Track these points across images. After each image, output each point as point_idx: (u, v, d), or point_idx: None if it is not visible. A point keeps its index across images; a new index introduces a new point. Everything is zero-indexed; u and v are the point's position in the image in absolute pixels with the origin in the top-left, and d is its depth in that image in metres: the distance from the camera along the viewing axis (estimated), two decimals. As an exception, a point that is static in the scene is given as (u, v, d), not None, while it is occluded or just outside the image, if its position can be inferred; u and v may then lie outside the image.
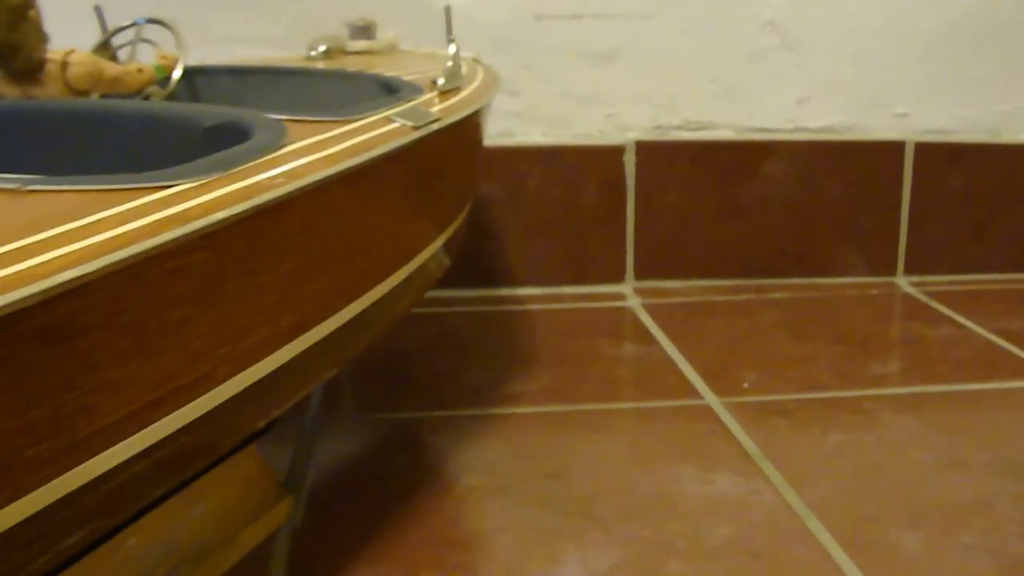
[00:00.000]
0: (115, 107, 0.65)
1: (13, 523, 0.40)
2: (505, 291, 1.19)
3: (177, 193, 0.47)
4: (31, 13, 0.68)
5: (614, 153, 1.19)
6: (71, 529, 0.44)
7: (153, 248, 0.43)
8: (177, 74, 0.76)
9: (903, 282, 1.24)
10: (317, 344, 0.57)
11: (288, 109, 0.62)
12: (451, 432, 0.83)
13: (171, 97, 0.77)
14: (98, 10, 0.82)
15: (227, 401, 0.50)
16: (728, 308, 1.16)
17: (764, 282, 1.23)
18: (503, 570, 0.65)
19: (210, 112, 0.60)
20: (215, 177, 0.49)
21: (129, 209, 0.45)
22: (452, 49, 0.78)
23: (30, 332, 0.39)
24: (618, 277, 1.22)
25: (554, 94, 1.19)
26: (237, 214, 0.47)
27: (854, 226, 1.23)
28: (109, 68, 0.71)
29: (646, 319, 1.12)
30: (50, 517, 0.42)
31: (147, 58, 0.79)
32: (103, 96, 0.72)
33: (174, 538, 0.59)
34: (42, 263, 0.39)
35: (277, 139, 0.55)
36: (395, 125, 0.64)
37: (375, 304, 0.64)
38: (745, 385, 0.94)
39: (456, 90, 0.76)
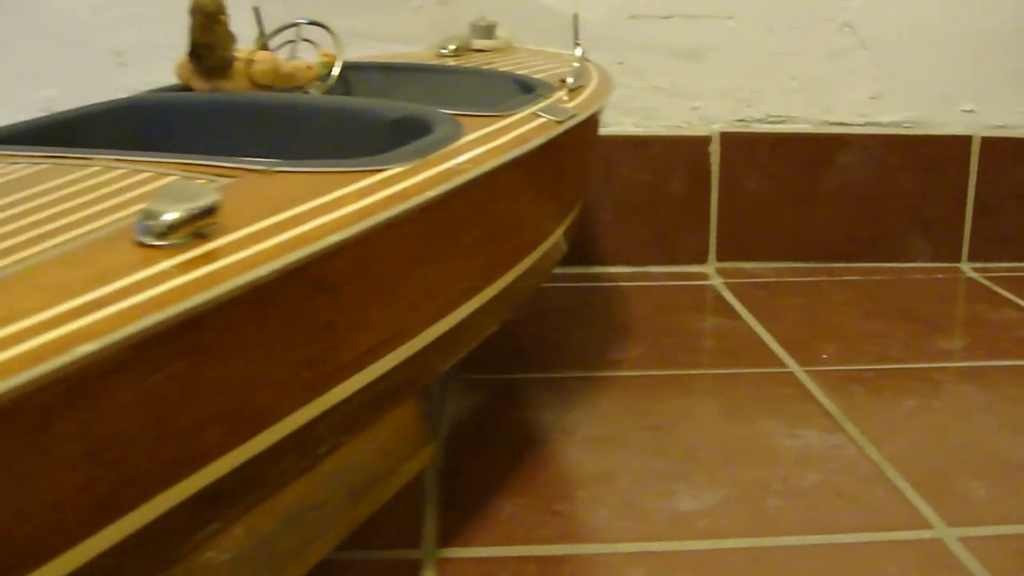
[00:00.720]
0: (310, 101, 0.76)
1: (289, 431, 0.51)
2: (598, 269, 1.30)
3: (393, 175, 0.58)
4: (222, 18, 0.79)
5: (700, 143, 1.29)
6: (315, 443, 0.56)
7: (386, 219, 0.54)
8: (336, 70, 0.87)
9: (967, 268, 1.33)
10: (487, 303, 0.68)
11: (439, 103, 0.73)
12: (563, 391, 0.94)
13: (330, 91, 0.88)
14: (257, 11, 0.93)
15: (429, 345, 0.61)
16: (804, 288, 1.25)
17: (837, 265, 1.32)
18: (626, 502, 0.75)
19: (392, 107, 0.71)
20: (418, 163, 0.60)
21: (362, 187, 0.56)
22: (579, 52, 0.88)
23: (305, 284, 0.50)
24: (701, 258, 1.32)
25: (645, 87, 1.29)
26: (441, 193, 0.58)
27: (922, 215, 1.32)
28: (285, 65, 0.82)
29: (729, 296, 1.22)
30: (304, 432, 0.53)
31: (305, 56, 0.90)
32: (282, 90, 0.83)
33: (354, 466, 0.70)
34: (313, 228, 0.50)
35: (457, 131, 0.66)
36: (542, 120, 0.75)
37: (523, 274, 0.75)
38: (824, 356, 1.04)
39: (581, 88, 0.87)
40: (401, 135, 0.68)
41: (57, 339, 0.38)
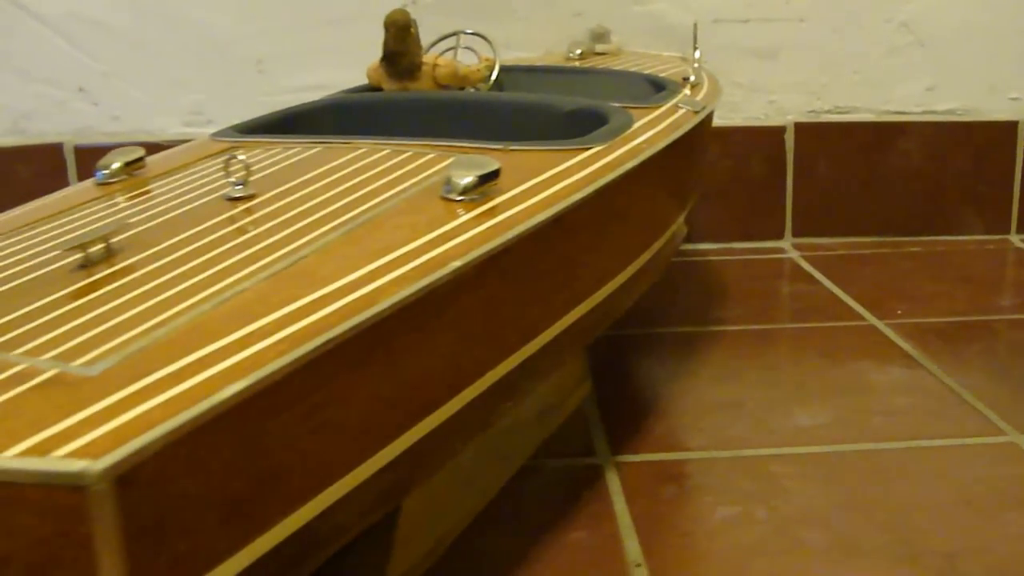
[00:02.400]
0: (494, 96, 0.94)
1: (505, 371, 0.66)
2: (687, 246, 1.47)
3: (597, 152, 0.75)
4: (412, 29, 0.97)
5: (775, 133, 1.46)
6: (538, 372, 0.71)
7: (604, 185, 0.71)
8: (495, 73, 1.04)
9: (1015, 239, 1.50)
10: (645, 265, 0.85)
11: (591, 98, 0.89)
12: (680, 343, 1.11)
13: (490, 90, 1.04)
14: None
15: (604, 300, 0.77)
16: (872, 259, 1.42)
17: (899, 239, 1.49)
18: (755, 420, 0.92)
19: (565, 101, 0.88)
20: (612, 142, 0.77)
21: (580, 160, 0.73)
22: (697, 54, 1.05)
23: (560, 229, 0.67)
24: (778, 235, 1.49)
25: (727, 84, 1.46)
26: (636, 164, 0.75)
27: (974, 192, 1.49)
28: (461, 68, 1.00)
29: (807, 266, 1.38)
30: (524, 367, 0.68)
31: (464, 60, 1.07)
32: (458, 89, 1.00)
33: (536, 398, 0.86)
34: (561, 188, 0.67)
35: (629, 120, 0.83)
36: (683, 111, 0.92)
37: (667, 243, 0.91)
38: (899, 312, 1.20)
39: (700, 86, 1.04)
40: (576, 124, 0.85)
41: (422, 264, 0.55)
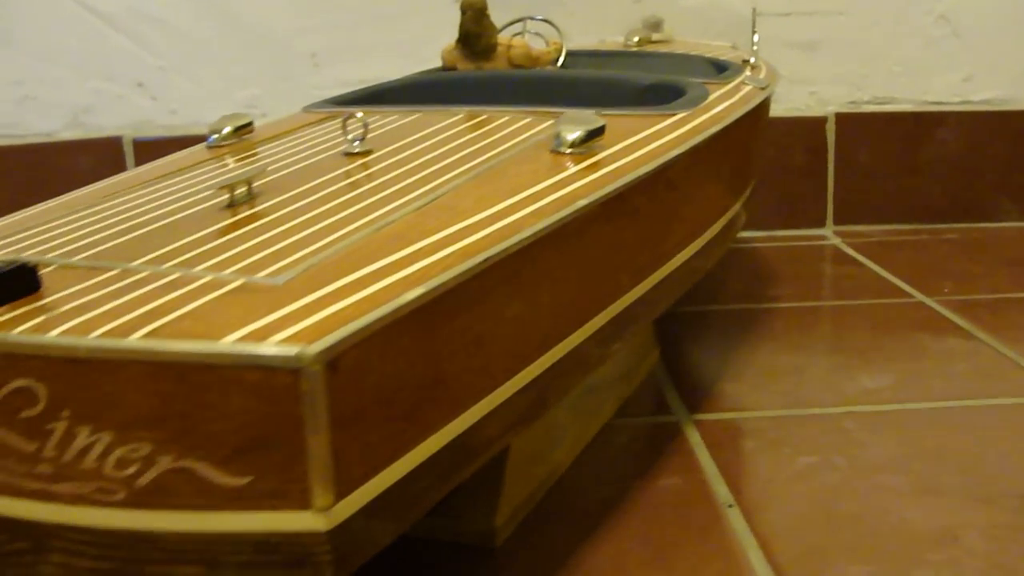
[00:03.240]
0: (573, 73, 0.98)
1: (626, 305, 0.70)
2: (732, 232, 1.51)
3: (683, 117, 0.79)
4: (487, 12, 1.01)
5: (817, 123, 1.51)
6: (638, 319, 0.75)
7: (696, 144, 0.75)
8: (563, 56, 1.09)
9: (1050, 226, 1.54)
10: (715, 238, 0.88)
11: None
12: (740, 318, 1.15)
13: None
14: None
15: (689, 259, 0.81)
16: (912, 244, 1.46)
17: (937, 226, 1.53)
18: (821, 383, 0.96)
19: (642, 76, 0.92)
20: (695, 110, 0.81)
21: (670, 123, 0.77)
22: (756, 38, 1.09)
23: (661, 181, 0.71)
24: (820, 222, 1.53)
25: (769, 76, 1.50)
26: (720, 129, 0.79)
27: (1010, 180, 1.53)
28: (533, 51, 1.04)
29: (850, 251, 1.42)
30: (629, 312, 0.72)
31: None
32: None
33: (613, 364, 0.89)
34: (659, 145, 0.71)
35: (706, 92, 0.87)
36: (750, 87, 0.96)
37: (732, 220, 0.95)
38: (946, 290, 1.24)
39: (760, 68, 1.08)
40: (653, 97, 0.89)
41: (552, 202, 0.59)
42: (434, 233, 0.52)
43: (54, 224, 0.59)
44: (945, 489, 0.75)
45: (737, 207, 0.95)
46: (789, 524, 0.71)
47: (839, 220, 1.53)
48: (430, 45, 1.47)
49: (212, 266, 0.49)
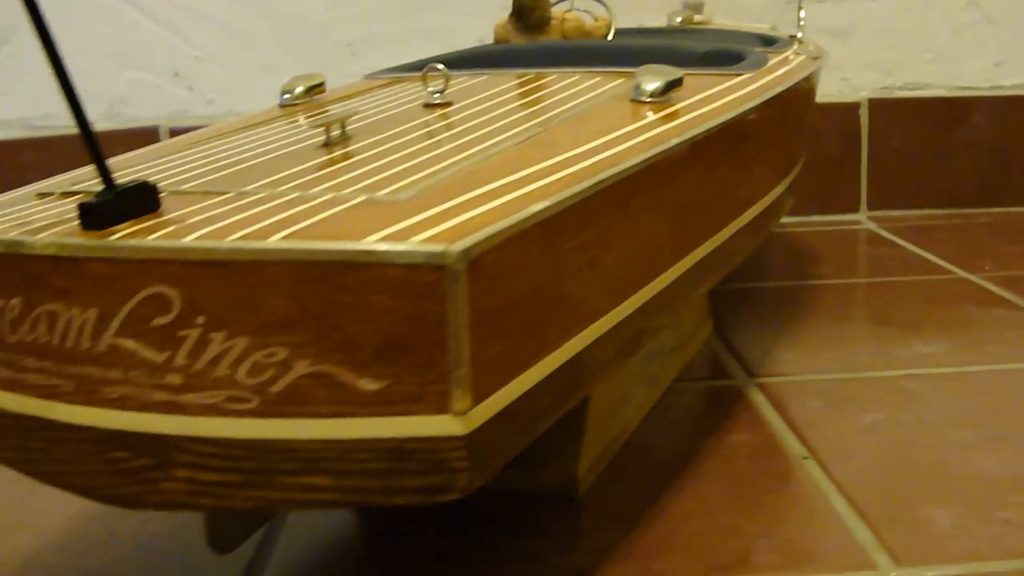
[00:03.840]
0: (630, 43, 0.98)
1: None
2: (767, 217, 1.51)
3: (749, 76, 0.80)
4: (540, -14, 1.02)
5: (850, 109, 1.51)
6: (713, 273, 0.76)
7: (766, 100, 0.76)
8: (611, 33, 1.09)
9: (1082, 210, 1.54)
10: (773, 204, 0.89)
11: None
12: (782, 294, 1.15)
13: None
14: None
15: (752, 221, 0.81)
16: (946, 227, 1.47)
17: (970, 210, 1.54)
18: (876, 349, 0.97)
19: (700, 44, 0.93)
20: (758, 71, 0.82)
21: (738, 81, 0.78)
22: (803, 13, 1.10)
23: (734, 134, 0.71)
24: (854, 208, 1.54)
25: (802, 62, 1.51)
26: (784, 88, 0.80)
27: (1042, 165, 1.53)
28: (586, 24, 1.05)
29: (886, 234, 1.43)
30: (708, 261, 0.73)
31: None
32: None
33: (670, 333, 0.90)
34: (731, 99, 0.72)
35: (765, 57, 0.88)
36: (802, 56, 0.97)
37: (782, 195, 0.95)
38: (987, 267, 1.25)
39: (806, 42, 1.09)
40: (713, 63, 0.90)
41: (645, 140, 0.59)
42: (539, 162, 0.53)
43: (147, 165, 0.60)
44: (1017, 439, 0.76)
45: (795, 173, 0.96)
46: (867, 473, 0.72)
47: (872, 205, 1.54)
48: (467, 33, 1.48)
49: (329, 188, 0.49)
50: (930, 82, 1.53)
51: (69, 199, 0.53)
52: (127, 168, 0.60)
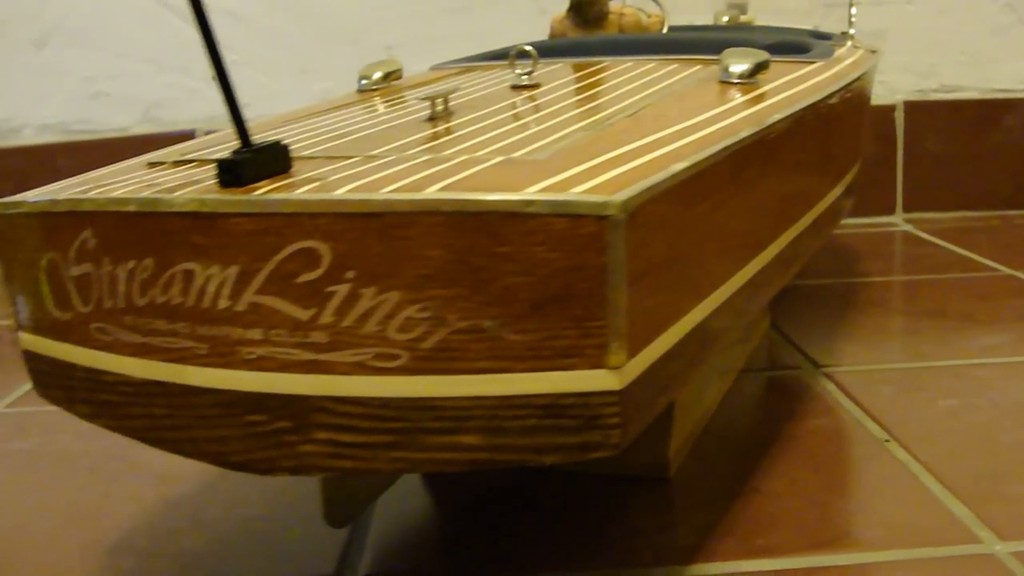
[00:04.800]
0: (695, 35, 0.98)
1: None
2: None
3: (820, 65, 0.80)
4: (597, -18, 1.02)
5: (886, 111, 1.52)
6: (796, 260, 0.75)
7: (848, 81, 0.76)
8: (665, 28, 1.10)
9: (1117, 212, 1.55)
10: (845, 191, 0.89)
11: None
12: (832, 290, 1.15)
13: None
14: None
15: (826, 210, 0.81)
16: (984, 229, 1.47)
17: (1007, 212, 1.54)
18: (939, 341, 0.97)
19: (764, 36, 0.93)
20: (829, 60, 0.82)
21: (813, 69, 0.78)
22: (854, 11, 1.10)
23: (816, 117, 0.72)
24: (890, 210, 1.54)
25: (838, 65, 1.52)
26: (855, 77, 0.80)
27: (1076, 167, 1.54)
28: (643, 19, 1.05)
29: (924, 235, 1.43)
30: (797, 242, 0.73)
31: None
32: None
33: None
34: (813, 83, 0.72)
35: (831, 48, 0.88)
36: (862, 50, 0.97)
37: (846, 191, 0.95)
38: (1031, 265, 1.25)
39: (859, 40, 1.09)
40: (778, 55, 0.90)
41: (749, 115, 0.60)
42: (659, 131, 0.53)
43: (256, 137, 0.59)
44: (1097, 424, 0.76)
45: (855, 172, 0.96)
46: (952, 454, 0.72)
47: (908, 207, 1.54)
48: (506, 36, 1.48)
49: (460, 151, 0.49)
50: (966, 84, 1.53)
51: (183, 167, 0.53)
52: (220, 144, 0.60)
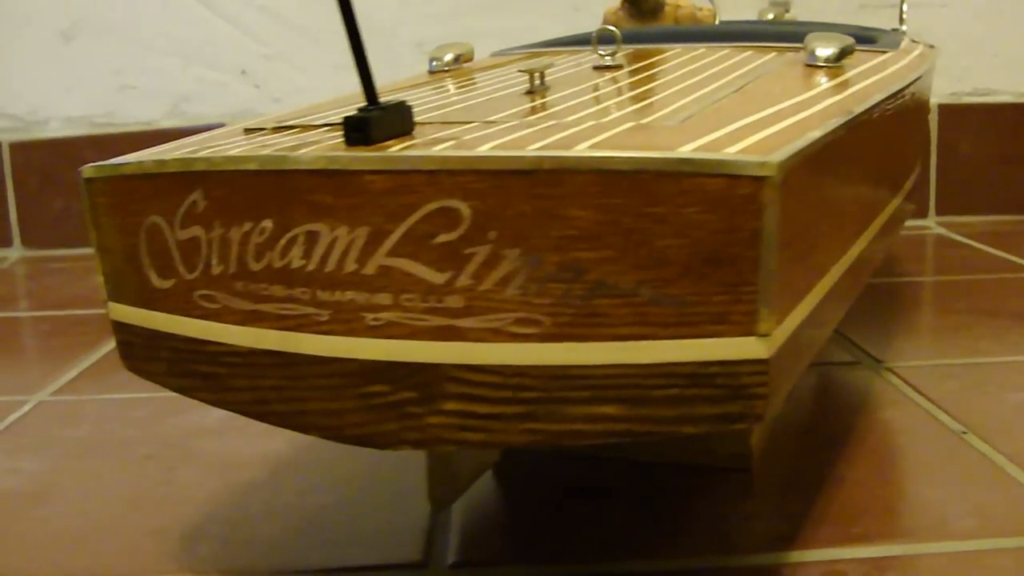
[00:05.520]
0: (751, 26, 0.98)
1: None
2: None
3: (893, 54, 0.79)
4: (653, -27, 1.01)
5: (919, 113, 1.51)
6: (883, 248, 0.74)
7: (927, 68, 0.75)
8: (718, 22, 1.09)
9: None
10: (912, 189, 0.88)
11: None
12: (875, 290, 1.15)
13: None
14: None
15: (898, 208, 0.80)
16: (1016, 233, 1.46)
17: (1039, 217, 1.54)
18: (997, 337, 0.96)
19: (820, 30, 0.92)
20: (898, 50, 0.82)
21: (888, 57, 0.77)
22: (905, 7, 1.10)
23: (895, 106, 0.71)
24: (922, 213, 1.54)
25: (871, 67, 1.51)
26: (931, 65, 0.79)
27: (1109, 172, 1.54)
28: (697, 12, 1.04)
29: (959, 238, 1.43)
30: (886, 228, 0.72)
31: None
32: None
33: None
34: (893, 71, 0.71)
35: (898, 39, 0.87)
36: (922, 46, 0.96)
37: (904, 201, 0.94)
38: (1073, 268, 1.24)
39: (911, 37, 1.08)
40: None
41: (854, 93, 0.59)
42: (770, 106, 0.52)
43: (340, 110, 0.58)
44: None
45: (917, 172, 0.95)
46: (1033, 446, 0.71)
47: (941, 211, 1.54)
48: (541, 34, 1.48)
49: (584, 117, 0.48)
50: (998, 88, 1.53)
51: (283, 132, 0.51)
52: (308, 116, 0.58)
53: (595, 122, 0.46)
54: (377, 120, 0.44)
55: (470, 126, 0.47)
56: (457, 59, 0.79)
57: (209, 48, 1.51)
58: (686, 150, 0.39)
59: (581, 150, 0.40)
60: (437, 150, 0.42)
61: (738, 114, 0.48)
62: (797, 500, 0.64)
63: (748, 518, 0.62)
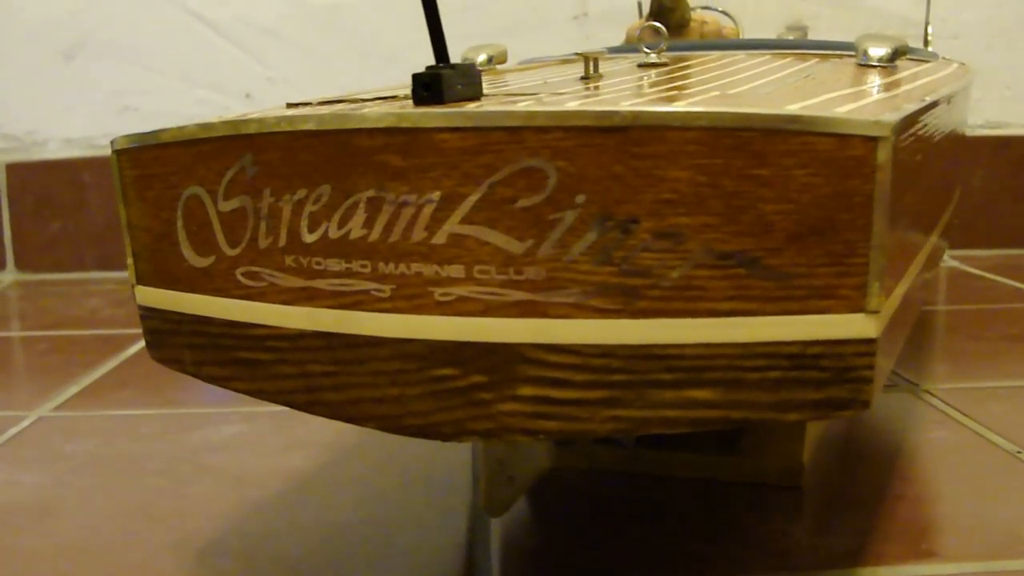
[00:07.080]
0: (788, 40, 0.96)
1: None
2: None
3: (934, 64, 0.77)
4: (679, -12, 0.99)
5: (931, 146, 1.50)
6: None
7: (968, 79, 0.72)
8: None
9: None
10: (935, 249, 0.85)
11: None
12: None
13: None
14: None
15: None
16: (1031, 267, 1.44)
17: (1051, 251, 1.52)
18: (1007, 354, 0.93)
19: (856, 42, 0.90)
20: (937, 61, 0.79)
21: (932, 65, 0.75)
22: (931, 29, 1.08)
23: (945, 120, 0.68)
24: (934, 245, 1.51)
25: (883, 99, 1.50)
26: (969, 79, 0.77)
27: (1121, 208, 1.52)
28: (724, 28, 1.02)
29: (972, 270, 1.40)
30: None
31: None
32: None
33: None
34: (943, 75, 0.69)
35: (935, 53, 0.85)
36: (956, 63, 0.94)
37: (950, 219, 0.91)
38: (1096, 299, 1.22)
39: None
40: None
41: (911, 89, 0.56)
42: (848, 88, 0.49)
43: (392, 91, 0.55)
44: None
45: (955, 201, 0.92)
46: (1095, 466, 0.68)
47: (952, 244, 1.51)
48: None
49: (655, 97, 0.45)
50: (1011, 120, 1.52)
51: (329, 106, 0.48)
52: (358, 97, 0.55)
53: (677, 91, 0.43)
54: (448, 78, 0.41)
55: (536, 97, 0.44)
56: (491, 60, 0.76)
57: (212, 70, 1.48)
58: (794, 108, 0.36)
59: (684, 104, 0.36)
60: (521, 106, 0.38)
61: (820, 91, 0.46)
62: (858, 516, 0.61)
63: (813, 533, 0.58)
